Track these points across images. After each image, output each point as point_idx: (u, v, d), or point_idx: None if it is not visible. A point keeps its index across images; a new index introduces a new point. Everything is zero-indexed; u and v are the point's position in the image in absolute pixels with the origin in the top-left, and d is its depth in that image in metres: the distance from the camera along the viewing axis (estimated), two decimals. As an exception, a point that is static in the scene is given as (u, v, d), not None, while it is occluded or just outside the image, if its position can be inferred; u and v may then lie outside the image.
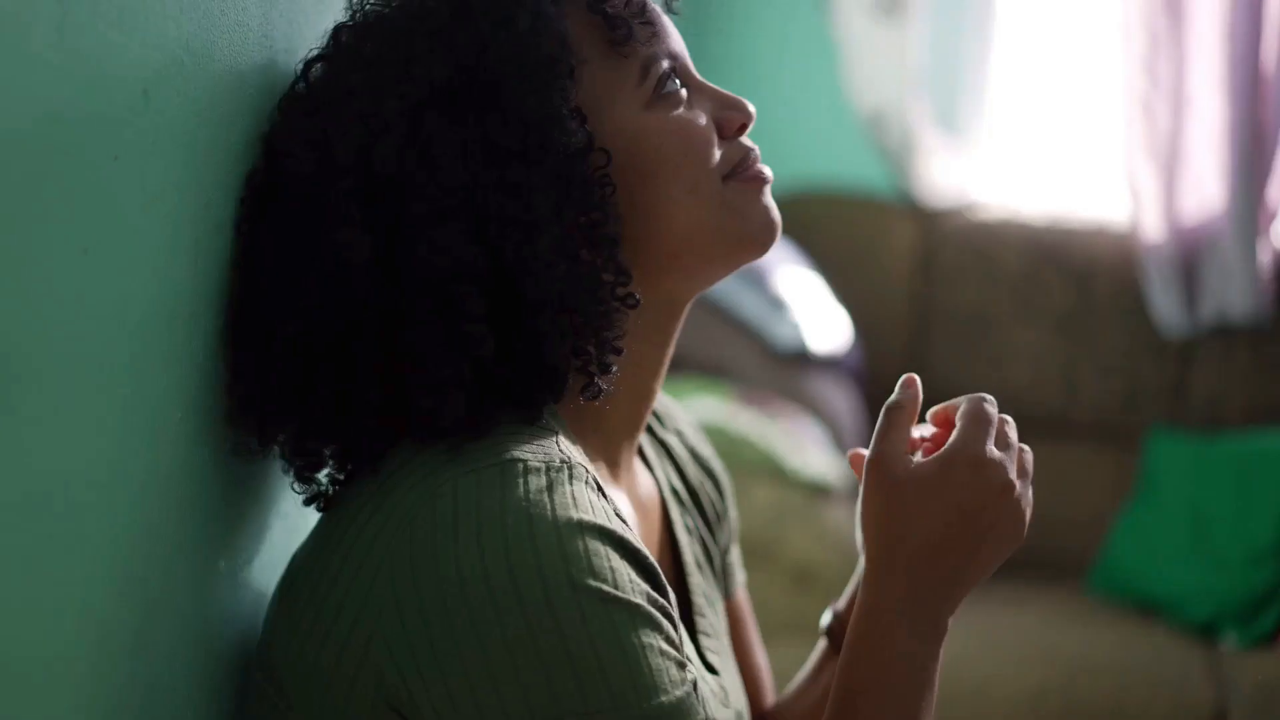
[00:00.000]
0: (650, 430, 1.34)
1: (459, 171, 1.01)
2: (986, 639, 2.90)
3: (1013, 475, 1.07)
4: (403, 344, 1.01)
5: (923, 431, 1.17)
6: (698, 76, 1.14)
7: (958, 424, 1.08)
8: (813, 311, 3.22)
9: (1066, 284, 3.39)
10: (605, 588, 0.93)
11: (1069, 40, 3.70)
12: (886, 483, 1.08)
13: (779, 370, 3.19)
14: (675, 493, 1.33)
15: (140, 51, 0.89)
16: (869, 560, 1.09)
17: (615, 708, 0.91)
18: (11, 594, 0.82)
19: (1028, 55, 3.72)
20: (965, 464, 1.06)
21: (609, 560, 0.95)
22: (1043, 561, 3.29)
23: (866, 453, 1.11)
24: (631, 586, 0.95)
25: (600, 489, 1.01)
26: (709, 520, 1.36)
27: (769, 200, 1.14)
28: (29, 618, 0.84)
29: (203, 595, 1.06)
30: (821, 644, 1.35)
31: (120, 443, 0.92)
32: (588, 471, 1.01)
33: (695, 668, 1.09)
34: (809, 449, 2.89)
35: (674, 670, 0.94)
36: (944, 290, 3.48)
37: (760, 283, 3.18)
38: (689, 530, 1.32)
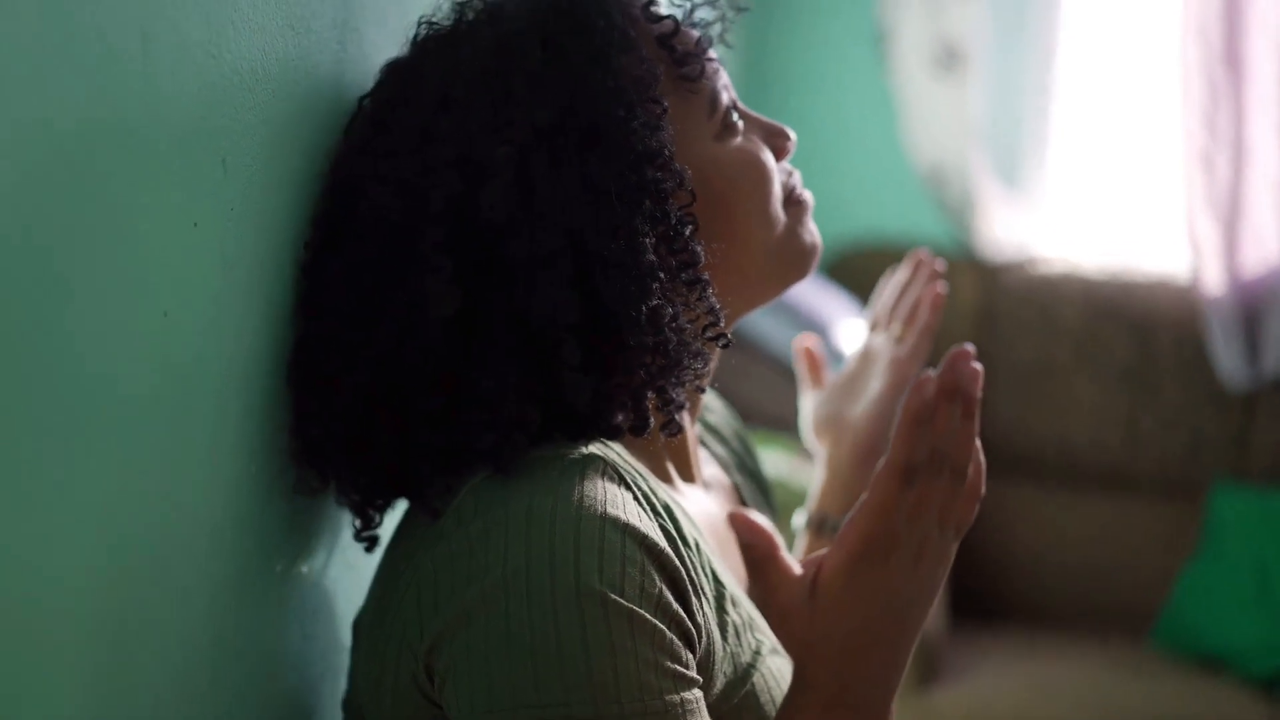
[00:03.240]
0: (700, 419, 1.35)
1: (564, 216, 1.00)
2: (1049, 691, 2.90)
3: (924, 534, 0.98)
4: (472, 388, 1.00)
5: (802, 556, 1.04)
6: (742, 105, 1.16)
7: (857, 519, 0.98)
8: (873, 365, 3.23)
9: (1128, 337, 3.39)
10: (595, 585, 0.92)
11: (1128, 94, 3.71)
12: (789, 623, 1.00)
13: (840, 424, 3.20)
14: (740, 471, 1.35)
15: (220, 122, 0.92)
16: (795, 668, 1.01)
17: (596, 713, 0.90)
18: (92, 637, 0.85)
19: (1087, 109, 3.73)
20: (869, 561, 0.97)
21: (604, 552, 0.93)
22: (1106, 614, 3.29)
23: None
24: (624, 582, 0.93)
25: (624, 480, 0.99)
26: (764, 489, 1.39)
27: (813, 223, 1.17)
28: (107, 659, 0.87)
29: (272, 638, 1.10)
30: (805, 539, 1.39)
31: (198, 495, 0.95)
32: (605, 462, 0.99)
33: (770, 639, 1.08)
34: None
35: (655, 680, 0.92)
36: (1005, 344, 3.48)
37: (821, 337, 3.20)
38: (756, 504, 1.33)
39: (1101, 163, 3.76)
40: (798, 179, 1.17)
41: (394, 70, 1.09)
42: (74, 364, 0.79)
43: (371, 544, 1.09)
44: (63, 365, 0.78)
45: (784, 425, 3.13)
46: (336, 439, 1.04)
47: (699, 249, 1.04)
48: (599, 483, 0.97)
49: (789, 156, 1.17)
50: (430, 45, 1.08)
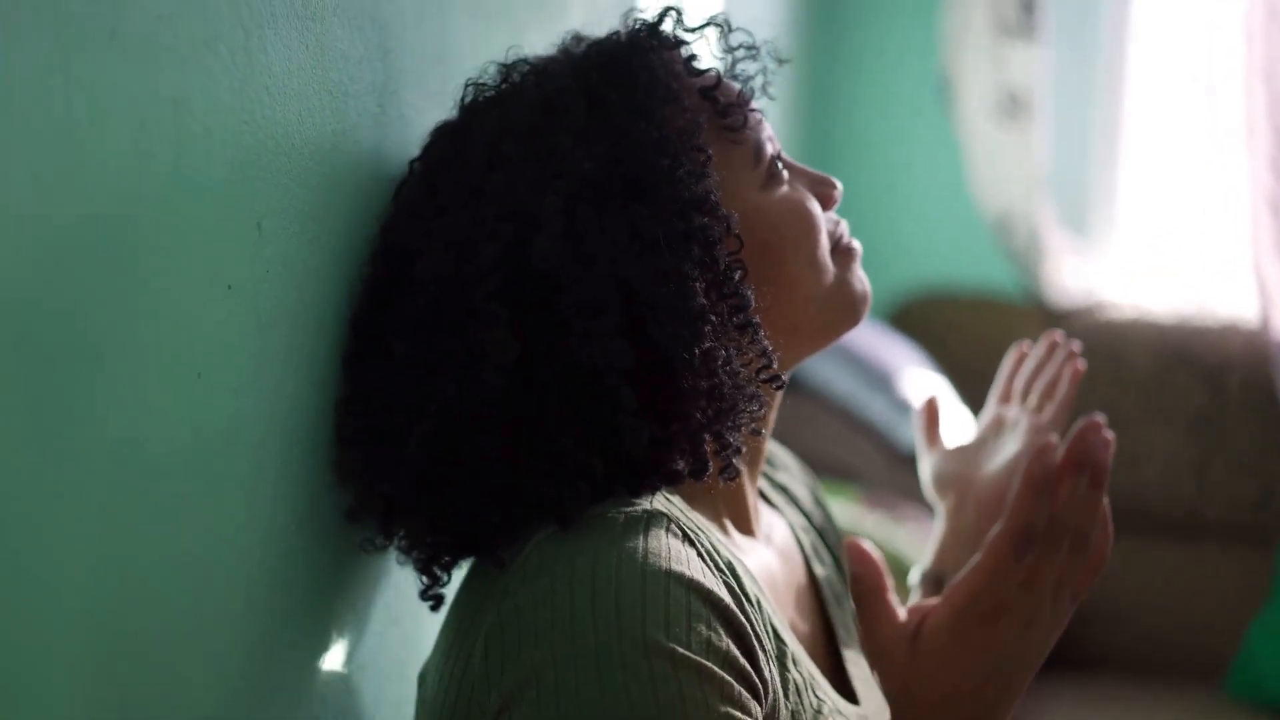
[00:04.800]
0: (767, 476, 1.36)
1: (613, 263, 1.01)
2: (1121, 743, 2.87)
3: (1037, 602, 1.00)
4: (534, 436, 1.01)
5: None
6: (787, 156, 1.17)
7: (967, 578, 1.01)
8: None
9: (1197, 383, 3.36)
10: (663, 640, 0.91)
11: (1195, 139, 3.69)
12: (887, 662, 1.03)
13: (906, 473, 3.19)
14: (807, 532, 1.34)
15: (255, 186, 0.94)
16: (894, 711, 1.04)
17: None
18: (121, 701, 0.86)
19: (1154, 154, 3.71)
20: (977, 621, 1.00)
21: (669, 608, 0.92)
22: (1178, 662, 3.25)
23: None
24: (690, 636, 0.92)
25: (688, 536, 0.99)
26: (834, 549, 1.37)
27: (862, 271, 1.18)
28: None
29: (314, 698, 1.10)
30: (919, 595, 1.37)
31: (232, 557, 0.96)
32: (669, 519, 0.99)
33: (832, 700, 1.08)
34: (935, 552, 2.88)
35: None
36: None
37: (887, 386, 3.19)
38: (824, 564, 1.33)
39: (1169, 208, 3.73)
40: (845, 228, 1.18)
41: (443, 132, 1.11)
42: (105, 426, 0.81)
43: (437, 603, 1.10)
44: (94, 428, 0.80)
45: (849, 473, 3.13)
46: (404, 493, 1.05)
47: (749, 293, 1.05)
48: (663, 538, 0.97)
49: (836, 205, 1.18)
50: (478, 107, 1.11)
